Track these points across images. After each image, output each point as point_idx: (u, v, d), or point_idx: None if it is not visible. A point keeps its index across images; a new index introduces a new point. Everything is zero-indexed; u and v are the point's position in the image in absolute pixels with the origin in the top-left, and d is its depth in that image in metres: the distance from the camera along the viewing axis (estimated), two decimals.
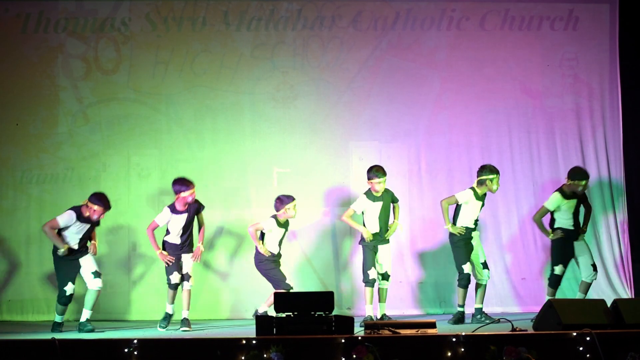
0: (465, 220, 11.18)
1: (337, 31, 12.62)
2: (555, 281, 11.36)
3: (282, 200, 11.09)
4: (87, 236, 10.93)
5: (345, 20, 12.63)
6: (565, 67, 12.80)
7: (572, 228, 11.37)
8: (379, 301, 11.21)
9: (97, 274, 10.82)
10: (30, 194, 12.23)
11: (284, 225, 11.13)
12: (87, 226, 10.88)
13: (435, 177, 12.49)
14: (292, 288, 10.98)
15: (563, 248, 11.36)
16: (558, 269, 11.34)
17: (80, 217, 10.80)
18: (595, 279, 11.47)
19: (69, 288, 10.78)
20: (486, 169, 11.23)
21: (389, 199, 11.23)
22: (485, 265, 11.21)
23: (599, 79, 12.81)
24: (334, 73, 12.59)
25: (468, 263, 11.13)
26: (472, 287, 11.27)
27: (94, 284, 10.80)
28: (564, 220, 11.38)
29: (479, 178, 11.21)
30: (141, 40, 12.47)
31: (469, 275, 11.13)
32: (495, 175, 11.19)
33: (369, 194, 11.20)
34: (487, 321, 10.76)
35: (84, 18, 12.41)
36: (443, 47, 12.72)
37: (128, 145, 12.24)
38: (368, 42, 12.65)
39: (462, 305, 11.16)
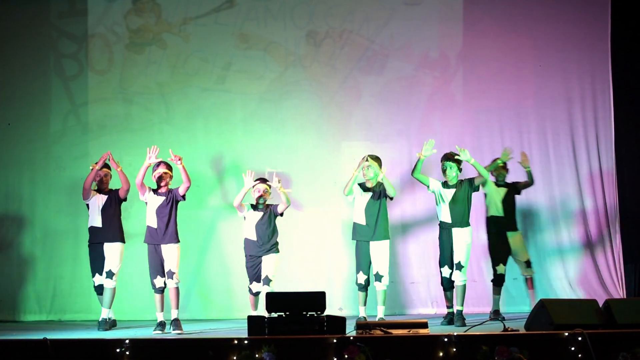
0: (440, 213, 11.23)
1: (329, 31, 12.63)
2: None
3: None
4: (111, 213, 10.96)
5: (338, 20, 12.63)
6: (557, 67, 12.82)
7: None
8: (378, 303, 11.07)
9: (109, 274, 10.81)
10: (21, 194, 12.21)
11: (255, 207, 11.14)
12: (105, 198, 10.96)
13: (428, 177, 12.48)
14: (253, 294, 11.03)
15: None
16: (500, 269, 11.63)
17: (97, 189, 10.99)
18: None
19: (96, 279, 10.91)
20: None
21: (384, 193, 11.11)
22: (458, 267, 11.02)
23: (590, 79, 12.83)
24: (326, 73, 12.59)
25: (446, 266, 11.11)
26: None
27: (107, 284, 10.83)
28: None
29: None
30: (133, 40, 12.46)
31: (445, 278, 11.13)
32: (443, 162, 11.19)
33: (362, 183, 11.17)
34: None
35: (76, 17, 12.40)
36: (435, 48, 12.73)
37: (120, 145, 12.22)
38: (360, 42, 12.65)
39: (450, 307, 11.17)
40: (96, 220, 10.89)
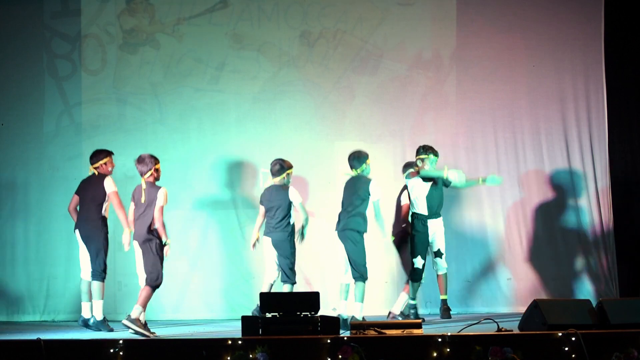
0: (417, 206, 11.25)
1: (323, 31, 12.63)
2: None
3: (283, 167, 11.08)
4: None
5: (331, 20, 12.64)
6: (550, 67, 12.83)
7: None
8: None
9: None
10: (15, 194, 12.20)
11: None
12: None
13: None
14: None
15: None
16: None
17: None
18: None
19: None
20: (420, 149, 11.30)
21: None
22: (438, 254, 11.30)
23: (584, 79, 12.84)
24: (320, 73, 12.59)
25: (419, 257, 11.13)
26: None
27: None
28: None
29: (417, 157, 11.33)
30: (126, 40, 12.45)
31: (418, 269, 11.12)
32: (425, 154, 11.22)
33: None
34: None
35: (69, 18, 12.39)
36: (428, 48, 12.74)
37: (113, 146, 12.15)
38: (354, 42, 12.66)
39: (414, 298, 11.29)
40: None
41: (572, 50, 12.85)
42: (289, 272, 11.03)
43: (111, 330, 10.52)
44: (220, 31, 12.53)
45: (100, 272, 10.63)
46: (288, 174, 11.08)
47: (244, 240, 12.02)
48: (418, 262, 11.12)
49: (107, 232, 10.76)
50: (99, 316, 10.61)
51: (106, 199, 10.72)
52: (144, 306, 10.10)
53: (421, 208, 11.21)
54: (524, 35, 12.82)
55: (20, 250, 12.16)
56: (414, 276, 11.15)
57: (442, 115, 12.67)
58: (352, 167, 11.06)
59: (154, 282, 10.14)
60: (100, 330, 10.51)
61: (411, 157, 12.48)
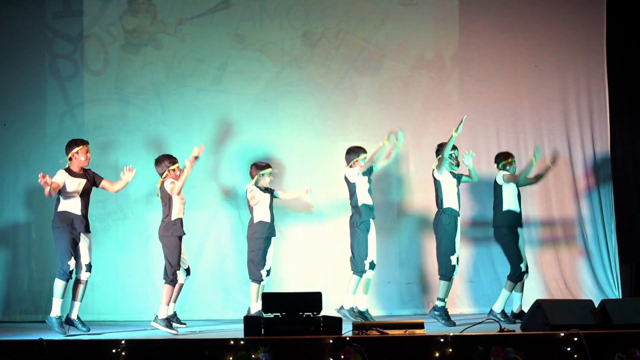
0: (451, 200, 11.22)
1: (325, 31, 12.63)
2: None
3: (258, 166, 11.31)
4: (87, 199, 10.45)
5: (333, 20, 12.64)
6: (552, 68, 12.84)
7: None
8: (361, 292, 11.27)
9: (89, 267, 10.44)
10: (17, 194, 12.20)
11: (267, 190, 11.31)
12: (84, 182, 10.41)
13: (423, 177, 12.48)
14: (262, 281, 11.10)
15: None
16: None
17: (71, 172, 10.35)
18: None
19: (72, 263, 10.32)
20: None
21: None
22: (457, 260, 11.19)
23: (586, 79, 12.86)
24: (322, 73, 12.59)
25: (456, 254, 11.06)
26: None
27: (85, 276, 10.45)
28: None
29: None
30: (129, 41, 12.45)
31: (455, 267, 11.04)
32: (455, 150, 11.26)
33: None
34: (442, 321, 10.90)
35: (71, 18, 12.39)
36: (431, 48, 12.74)
37: (116, 146, 12.22)
38: (356, 42, 12.66)
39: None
40: (76, 208, 10.39)
41: (574, 50, 12.87)
42: (251, 268, 11.16)
43: (62, 332, 10.16)
44: (223, 31, 12.53)
45: (57, 268, 10.30)
46: (262, 174, 11.28)
47: (245, 241, 12.01)
48: (454, 259, 11.06)
49: (66, 228, 10.31)
50: (55, 313, 10.30)
51: (64, 189, 10.33)
52: (168, 303, 10.48)
53: (454, 203, 11.18)
54: (526, 36, 12.83)
55: (23, 250, 12.16)
56: (452, 274, 11.07)
57: (445, 115, 12.67)
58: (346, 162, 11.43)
59: (167, 279, 10.46)
60: (52, 329, 10.23)
61: (413, 157, 12.51)
